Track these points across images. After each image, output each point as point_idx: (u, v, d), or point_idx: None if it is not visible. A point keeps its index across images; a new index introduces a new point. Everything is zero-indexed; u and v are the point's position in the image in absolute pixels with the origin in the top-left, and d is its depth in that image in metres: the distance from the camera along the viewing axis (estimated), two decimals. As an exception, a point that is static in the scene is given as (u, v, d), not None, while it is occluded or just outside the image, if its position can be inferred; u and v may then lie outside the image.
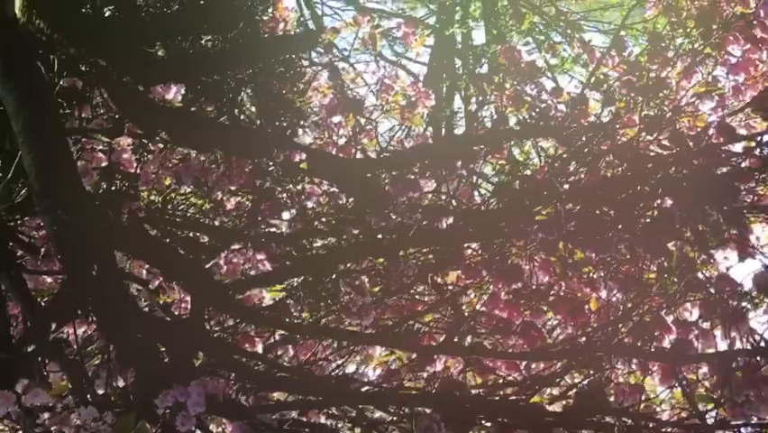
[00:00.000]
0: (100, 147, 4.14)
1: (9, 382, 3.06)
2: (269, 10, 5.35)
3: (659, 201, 3.47)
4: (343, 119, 4.42)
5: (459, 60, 7.80)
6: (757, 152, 3.44)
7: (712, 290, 3.28)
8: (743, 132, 3.60)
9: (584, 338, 3.44)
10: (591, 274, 3.63)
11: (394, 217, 3.68)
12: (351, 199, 4.13)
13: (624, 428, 3.02)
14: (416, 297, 4.07)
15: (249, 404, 3.34)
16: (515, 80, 4.45)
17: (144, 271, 3.94)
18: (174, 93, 4.16)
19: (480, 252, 3.86)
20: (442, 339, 3.70)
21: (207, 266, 3.96)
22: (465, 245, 3.87)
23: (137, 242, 3.75)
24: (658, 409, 3.29)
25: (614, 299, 3.57)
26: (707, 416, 3.02)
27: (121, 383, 3.19)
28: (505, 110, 4.42)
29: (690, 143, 3.56)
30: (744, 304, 3.18)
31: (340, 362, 3.92)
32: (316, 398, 3.35)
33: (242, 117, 5.10)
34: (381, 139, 4.83)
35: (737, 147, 3.52)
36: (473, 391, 3.44)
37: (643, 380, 3.24)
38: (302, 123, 4.88)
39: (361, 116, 4.46)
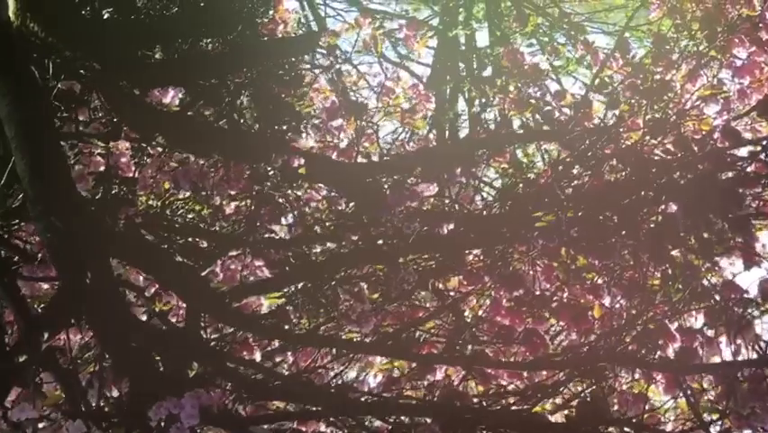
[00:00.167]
0: (98, 151, 4.11)
1: (3, 392, 3.03)
2: (270, 12, 5.30)
3: (663, 207, 3.42)
4: (345, 122, 4.38)
5: (462, 63, 7.77)
6: (763, 156, 3.39)
7: (717, 298, 3.23)
8: (748, 136, 3.55)
9: (587, 347, 3.40)
10: (595, 280, 3.58)
11: (389, 225, 3.64)
12: (351, 205, 4.09)
13: (627, 438, 2.99)
14: (417, 303, 4.02)
15: (246, 414, 3.30)
16: (518, 83, 4.40)
17: (141, 278, 3.89)
18: (171, 97, 4.13)
19: (481, 257, 3.81)
20: (443, 347, 3.66)
21: (204, 273, 3.91)
22: (467, 251, 3.83)
23: (133, 248, 3.71)
24: (662, 420, 3.25)
25: (617, 306, 3.52)
26: (711, 427, 2.98)
27: (115, 393, 3.15)
28: (508, 113, 4.38)
29: (695, 147, 3.51)
30: (749, 311, 3.13)
31: (340, 369, 3.87)
32: (315, 407, 3.31)
33: (240, 121, 5.05)
34: (383, 142, 4.79)
35: (743, 151, 3.47)
36: (474, 401, 3.40)
37: (646, 389, 3.20)
38: (302, 126, 4.82)
39: (363, 120, 4.41)
